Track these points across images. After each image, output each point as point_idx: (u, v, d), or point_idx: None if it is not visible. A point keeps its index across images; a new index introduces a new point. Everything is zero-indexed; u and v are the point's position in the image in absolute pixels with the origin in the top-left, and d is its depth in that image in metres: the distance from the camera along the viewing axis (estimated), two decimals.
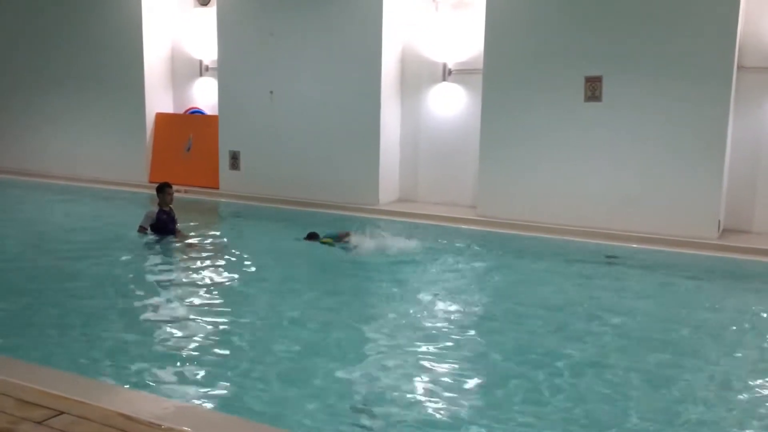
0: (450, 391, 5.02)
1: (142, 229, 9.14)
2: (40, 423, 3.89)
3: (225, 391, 4.93)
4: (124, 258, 8.44)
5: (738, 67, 9.37)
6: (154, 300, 6.96)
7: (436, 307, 6.92)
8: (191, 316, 6.43)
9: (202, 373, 5.21)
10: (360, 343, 5.93)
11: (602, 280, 7.97)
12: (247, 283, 7.75)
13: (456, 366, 5.49)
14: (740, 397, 5.09)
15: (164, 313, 6.52)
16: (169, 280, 7.72)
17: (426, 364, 5.47)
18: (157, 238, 9.08)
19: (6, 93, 15.46)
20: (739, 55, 9.33)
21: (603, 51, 9.66)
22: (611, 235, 9.54)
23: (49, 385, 4.37)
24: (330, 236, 9.13)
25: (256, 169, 12.50)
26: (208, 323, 6.29)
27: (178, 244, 9.03)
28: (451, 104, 11.49)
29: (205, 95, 13.75)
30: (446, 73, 11.42)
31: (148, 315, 6.49)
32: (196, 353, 5.57)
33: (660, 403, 4.89)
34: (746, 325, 6.60)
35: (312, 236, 9.22)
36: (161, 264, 8.42)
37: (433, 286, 7.62)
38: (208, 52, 13.44)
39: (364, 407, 4.68)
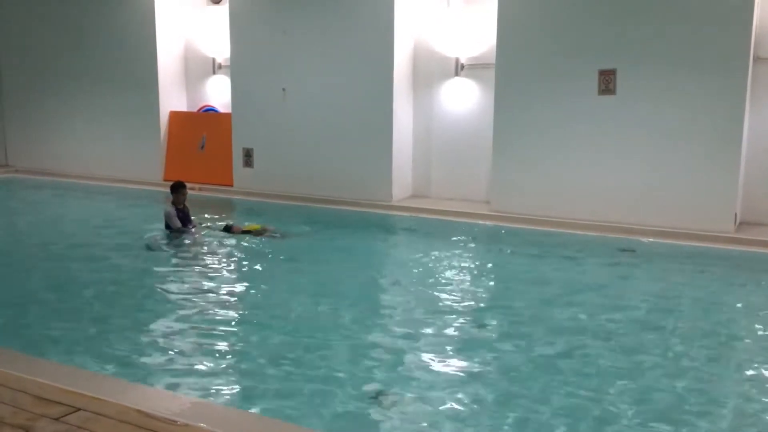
0: (460, 385, 5.01)
1: (176, 229, 9.17)
2: (57, 419, 3.92)
3: (241, 388, 4.95)
4: (138, 256, 8.49)
5: (754, 58, 9.26)
6: (170, 297, 6.99)
7: (445, 301, 6.89)
8: (207, 312, 6.45)
9: (218, 369, 5.23)
10: (374, 337, 5.93)
11: (616, 275, 7.92)
12: (261, 278, 7.77)
13: (464, 359, 5.47)
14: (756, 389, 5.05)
15: (180, 310, 6.54)
16: (184, 278, 7.74)
17: (436, 357, 5.46)
18: (174, 235, 9.15)
19: (20, 93, 15.58)
20: (755, 46, 9.22)
21: (616, 44, 9.58)
22: (626, 228, 9.48)
23: (66, 381, 4.41)
24: (251, 227, 9.34)
25: (269, 167, 12.53)
26: (224, 319, 6.32)
27: (192, 243, 9.07)
28: (464, 99, 11.45)
29: (218, 93, 13.80)
30: (459, 68, 11.38)
31: (165, 312, 6.53)
32: (212, 349, 5.59)
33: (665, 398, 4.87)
34: (765, 319, 6.54)
35: (228, 229, 9.34)
36: (176, 262, 8.46)
37: (441, 280, 7.61)
38: (221, 50, 13.48)
39: (382, 402, 4.68)
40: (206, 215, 10.39)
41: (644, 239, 9.20)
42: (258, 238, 9.13)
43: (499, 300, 7.15)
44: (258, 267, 8.16)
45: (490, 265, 8.55)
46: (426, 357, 5.50)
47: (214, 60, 13.79)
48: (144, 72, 13.73)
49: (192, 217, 9.47)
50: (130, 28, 13.76)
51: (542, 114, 10.17)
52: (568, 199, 10.07)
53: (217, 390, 4.86)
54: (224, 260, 8.39)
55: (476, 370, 5.29)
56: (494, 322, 6.37)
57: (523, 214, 10.22)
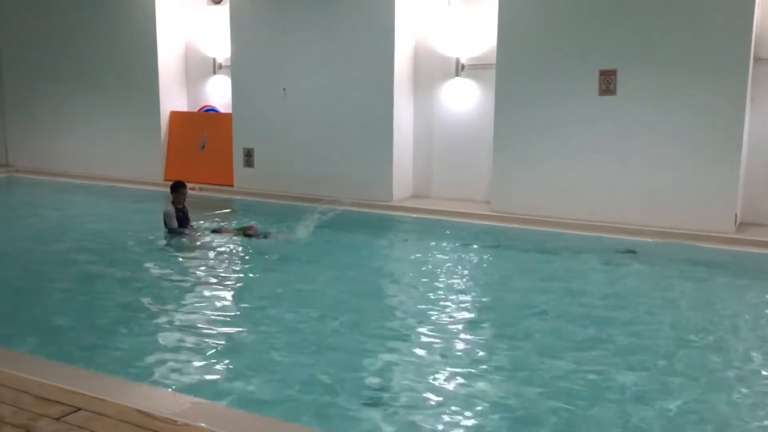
0: (459, 385, 5.02)
1: (173, 229, 9.18)
2: (57, 419, 3.93)
3: (241, 388, 4.94)
4: (138, 256, 8.49)
5: (754, 59, 9.27)
6: (170, 297, 7.00)
7: (445, 302, 6.90)
8: (208, 313, 6.46)
9: (218, 369, 5.24)
10: (373, 337, 5.93)
11: (617, 276, 7.91)
12: (259, 279, 7.77)
13: (463, 359, 5.49)
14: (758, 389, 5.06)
15: (180, 310, 6.55)
16: (185, 278, 7.74)
17: (436, 357, 5.47)
18: (172, 235, 9.16)
19: (21, 92, 15.58)
20: (755, 47, 9.23)
21: (617, 44, 9.59)
22: (627, 229, 9.49)
23: (66, 381, 4.42)
24: (239, 228, 9.41)
25: (270, 167, 12.54)
26: (224, 320, 6.32)
27: (192, 242, 9.08)
28: (465, 99, 11.46)
29: (218, 93, 13.82)
30: (459, 69, 11.39)
31: (163, 311, 6.53)
32: (212, 349, 5.60)
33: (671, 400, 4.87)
34: (765, 319, 6.55)
35: (218, 230, 9.43)
36: (176, 261, 8.46)
37: (441, 281, 7.61)
38: (222, 50, 13.49)
39: (379, 401, 4.68)
40: (205, 215, 10.40)
41: (644, 239, 9.20)
42: (255, 238, 9.10)
43: (498, 301, 7.15)
44: (257, 267, 8.17)
45: (490, 265, 8.54)
46: (425, 357, 5.51)
47: (214, 60, 13.80)
48: (144, 72, 13.74)
49: (190, 217, 9.48)
50: (131, 28, 13.77)
51: (542, 114, 10.18)
52: (568, 199, 10.08)
53: (217, 390, 4.86)
54: (222, 261, 8.40)
55: (476, 370, 5.30)
56: (493, 323, 6.38)
57: (523, 214, 10.22)
